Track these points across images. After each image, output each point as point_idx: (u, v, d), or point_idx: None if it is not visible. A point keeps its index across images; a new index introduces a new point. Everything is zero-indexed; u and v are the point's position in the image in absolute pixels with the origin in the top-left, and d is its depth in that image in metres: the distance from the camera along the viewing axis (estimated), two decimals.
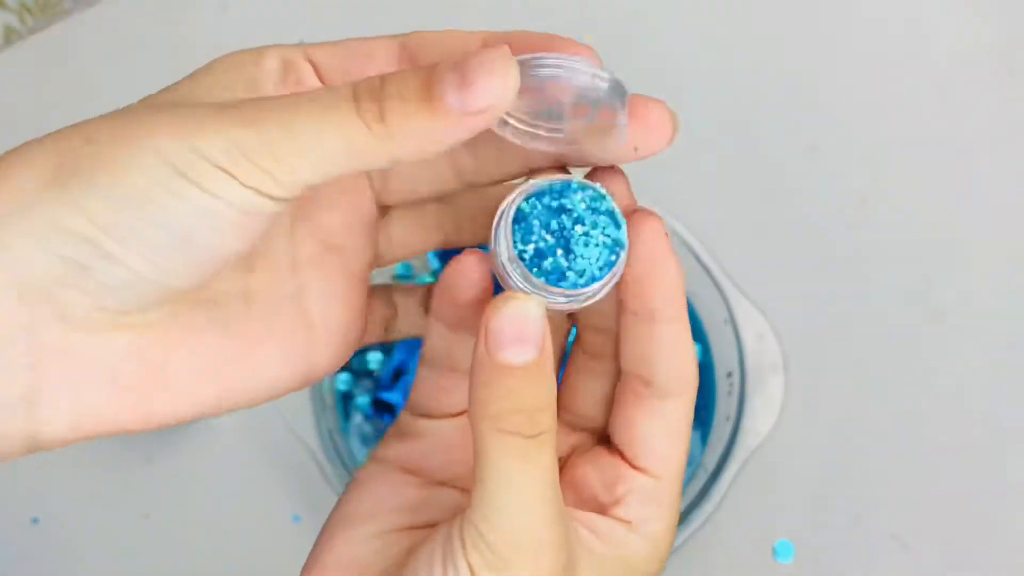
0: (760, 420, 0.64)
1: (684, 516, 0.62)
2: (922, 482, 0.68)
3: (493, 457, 0.27)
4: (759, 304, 0.66)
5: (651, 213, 0.31)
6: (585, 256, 0.28)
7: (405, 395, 0.65)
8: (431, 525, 0.31)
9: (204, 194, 0.26)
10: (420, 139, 0.27)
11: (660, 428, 0.31)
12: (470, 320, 0.31)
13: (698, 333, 0.69)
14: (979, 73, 0.81)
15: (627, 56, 0.80)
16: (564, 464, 0.33)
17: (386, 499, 0.32)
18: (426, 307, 0.36)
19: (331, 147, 0.26)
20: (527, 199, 0.29)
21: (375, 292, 0.36)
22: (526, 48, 0.31)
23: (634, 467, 0.31)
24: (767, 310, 0.66)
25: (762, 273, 0.71)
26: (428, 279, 0.70)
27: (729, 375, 0.66)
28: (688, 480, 0.65)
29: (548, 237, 0.28)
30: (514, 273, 0.28)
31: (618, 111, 0.29)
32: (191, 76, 0.31)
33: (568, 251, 0.28)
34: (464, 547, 0.28)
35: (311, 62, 0.31)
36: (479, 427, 0.27)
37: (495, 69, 0.27)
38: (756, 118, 0.78)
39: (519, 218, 0.28)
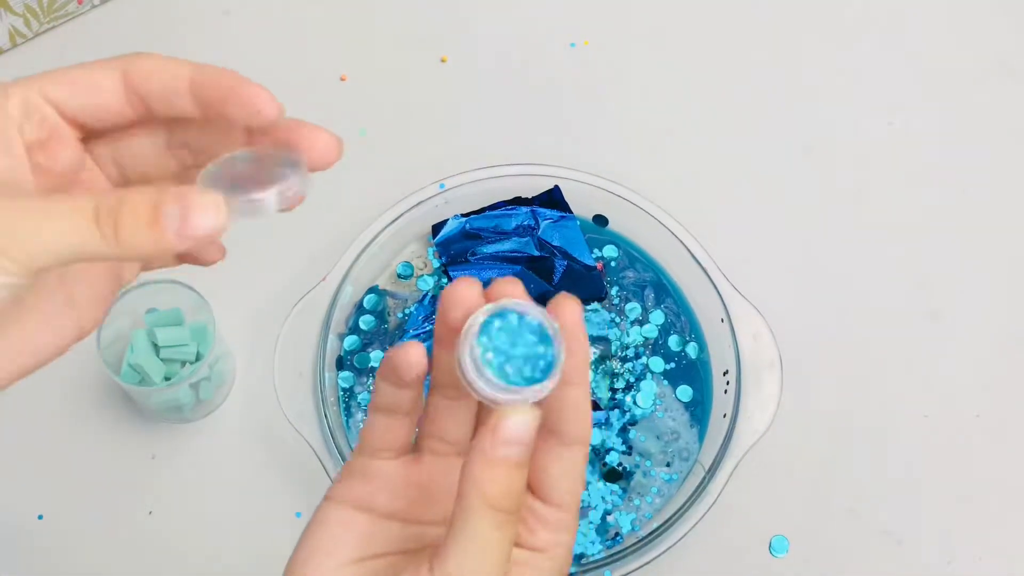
0: (756, 418, 0.65)
1: (682, 512, 0.62)
2: (916, 479, 0.68)
3: (481, 526, 0.34)
4: (755, 303, 0.67)
5: (571, 299, 0.37)
6: (527, 366, 0.36)
7: None
8: (381, 556, 0.38)
9: None
10: (145, 250, 0.33)
11: (565, 470, 0.37)
12: (415, 384, 0.39)
13: (695, 332, 0.69)
14: (976, 74, 0.82)
15: (626, 57, 0.81)
16: None
17: (343, 535, 0.39)
18: None
19: (70, 248, 0.32)
20: (489, 320, 0.36)
21: None
22: (218, 90, 0.36)
23: (544, 502, 0.37)
24: (763, 309, 0.67)
25: (758, 272, 0.71)
26: (429, 279, 0.70)
27: (725, 373, 0.67)
28: (685, 477, 0.65)
29: (504, 349, 0.36)
30: (479, 378, 0.35)
31: (298, 181, 0.36)
32: None
33: (514, 359, 0.36)
34: None
35: (50, 101, 0.36)
36: (473, 501, 0.34)
37: (207, 212, 0.32)
38: (753, 118, 0.79)
39: (484, 332, 0.36)
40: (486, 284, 0.39)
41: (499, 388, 0.35)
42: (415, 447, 0.41)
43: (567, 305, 0.37)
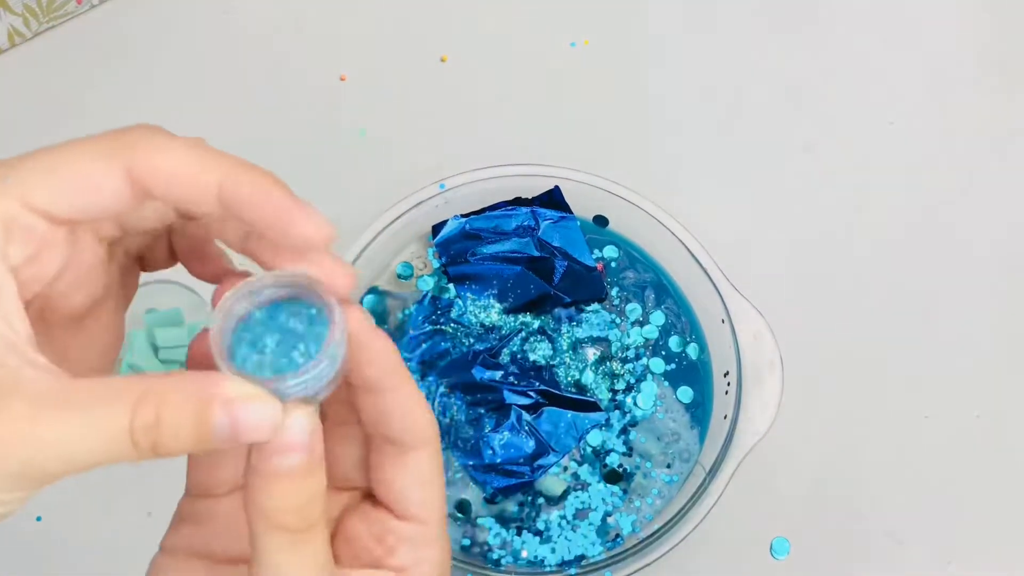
0: (757, 418, 0.64)
1: (683, 513, 0.62)
2: (917, 480, 0.68)
3: (267, 551, 0.30)
4: (756, 303, 0.67)
5: (353, 305, 0.33)
6: (294, 353, 0.31)
7: None
8: None
9: None
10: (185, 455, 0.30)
11: (412, 478, 0.34)
12: None
13: (695, 332, 0.69)
14: (977, 74, 0.81)
15: (627, 56, 0.81)
16: (338, 524, 0.35)
17: None
18: None
19: (97, 464, 0.28)
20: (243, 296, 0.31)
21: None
22: (260, 209, 0.30)
23: (398, 517, 0.34)
24: (764, 309, 0.67)
25: (759, 272, 0.71)
26: (428, 279, 0.70)
27: (726, 374, 0.67)
28: (686, 478, 0.65)
29: (263, 340, 0.31)
30: (223, 366, 0.30)
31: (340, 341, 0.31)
32: None
33: (278, 347, 0.31)
34: None
35: (35, 210, 0.30)
36: (255, 525, 0.30)
37: (262, 423, 0.29)
38: (753, 118, 0.79)
39: (245, 325, 0.31)
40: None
41: (247, 379, 0.30)
42: None
43: (350, 312, 0.32)
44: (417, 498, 0.34)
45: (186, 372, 0.29)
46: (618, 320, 0.69)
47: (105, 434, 0.28)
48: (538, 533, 0.64)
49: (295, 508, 0.30)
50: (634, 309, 0.69)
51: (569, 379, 0.67)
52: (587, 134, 0.78)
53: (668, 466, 0.66)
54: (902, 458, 0.69)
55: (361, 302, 0.69)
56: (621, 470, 0.65)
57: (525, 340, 0.68)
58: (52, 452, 0.27)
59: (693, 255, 0.69)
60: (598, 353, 0.68)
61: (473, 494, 0.64)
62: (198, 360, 0.33)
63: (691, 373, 0.68)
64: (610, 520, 0.64)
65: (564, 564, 0.63)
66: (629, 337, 0.68)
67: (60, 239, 0.31)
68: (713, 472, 0.63)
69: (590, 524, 0.64)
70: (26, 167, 0.30)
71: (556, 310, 0.69)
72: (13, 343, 0.28)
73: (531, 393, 0.66)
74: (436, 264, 0.71)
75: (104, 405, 0.28)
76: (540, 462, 0.65)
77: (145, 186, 0.30)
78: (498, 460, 0.64)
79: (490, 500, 0.64)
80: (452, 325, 0.68)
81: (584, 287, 0.69)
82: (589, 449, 0.65)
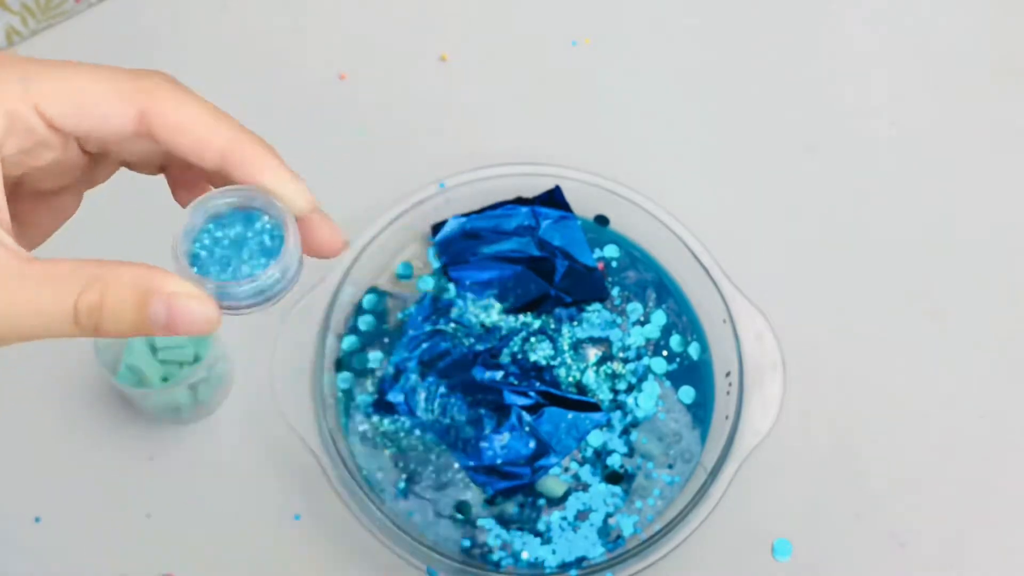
0: (759, 419, 0.64)
1: (684, 514, 0.62)
2: (919, 481, 0.68)
3: None
4: (758, 304, 0.67)
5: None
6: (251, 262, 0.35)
7: (405, 394, 0.66)
8: None
9: None
10: (126, 337, 0.33)
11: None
12: None
13: (697, 333, 0.69)
14: (977, 73, 0.81)
15: (628, 55, 0.81)
16: None
17: None
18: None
19: (43, 334, 0.32)
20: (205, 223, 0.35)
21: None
22: (252, 172, 0.35)
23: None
24: (766, 310, 0.67)
25: (760, 273, 0.71)
26: (429, 279, 0.70)
27: (728, 374, 0.66)
28: (687, 479, 0.65)
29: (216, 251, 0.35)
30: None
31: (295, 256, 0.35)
32: None
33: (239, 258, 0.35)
34: None
35: (43, 116, 0.34)
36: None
37: (195, 317, 0.32)
38: (754, 117, 0.79)
39: (206, 231, 0.35)
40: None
41: (194, 280, 0.33)
42: None
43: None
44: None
45: (135, 263, 0.32)
46: (619, 320, 0.69)
47: (51, 309, 0.31)
48: (539, 534, 0.63)
49: None
50: (635, 309, 0.69)
51: (570, 379, 0.67)
52: (587, 133, 0.77)
53: (670, 467, 0.66)
54: (905, 459, 0.68)
55: (361, 302, 0.69)
56: (622, 471, 0.65)
57: (525, 340, 0.68)
58: (3, 320, 0.31)
59: (694, 255, 0.68)
60: (599, 353, 0.68)
61: (473, 495, 0.64)
62: None
63: (692, 373, 0.68)
64: (611, 521, 0.64)
65: (565, 566, 0.63)
66: (630, 337, 0.68)
67: (55, 143, 0.34)
68: (715, 473, 0.63)
69: (591, 525, 0.64)
70: (50, 78, 0.33)
71: (557, 310, 0.68)
72: None
73: (531, 393, 0.65)
74: (436, 264, 0.70)
75: (55, 284, 0.32)
76: (540, 463, 0.64)
77: (155, 133, 0.34)
78: (498, 461, 0.64)
79: (490, 501, 0.64)
80: (452, 325, 0.68)
81: (585, 287, 0.69)
82: (590, 450, 0.65)
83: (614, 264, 0.71)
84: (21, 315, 0.31)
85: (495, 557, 0.63)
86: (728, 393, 0.66)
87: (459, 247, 0.70)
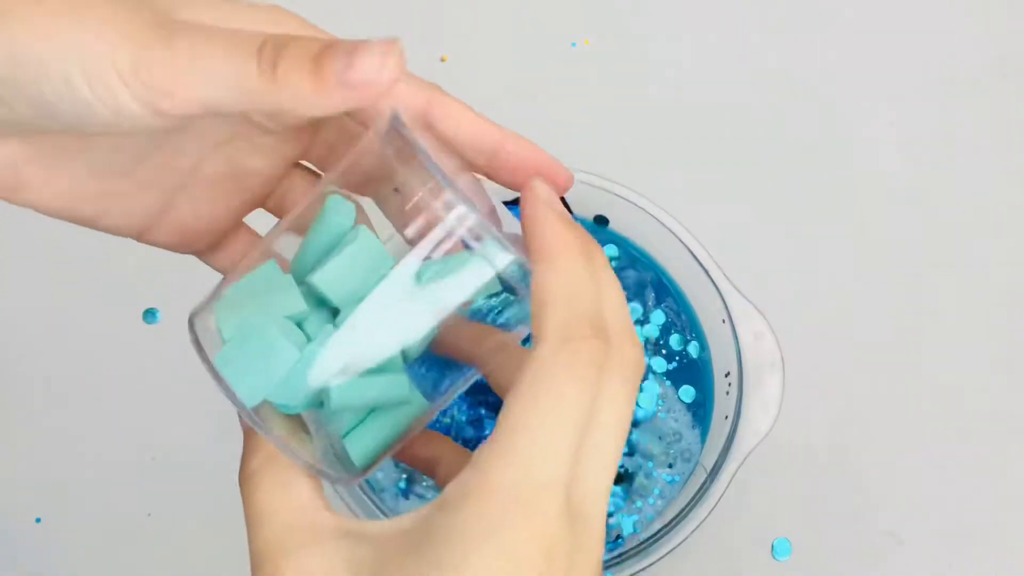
0: (758, 419, 0.64)
1: (684, 514, 0.62)
2: (919, 480, 0.68)
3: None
4: (757, 303, 0.67)
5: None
6: None
7: None
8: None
9: (95, 98, 0.29)
10: (301, 97, 0.31)
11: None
12: None
13: (696, 332, 0.69)
14: (977, 74, 0.81)
15: (628, 56, 0.81)
16: None
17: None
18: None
19: (224, 77, 0.30)
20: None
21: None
22: (526, 169, 0.38)
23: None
24: (765, 309, 0.67)
25: (760, 272, 0.71)
26: None
27: (727, 374, 0.66)
28: (687, 479, 0.65)
29: None
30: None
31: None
32: None
33: None
34: None
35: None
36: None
37: (376, 53, 0.31)
38: (754, 117, 0.79)
39: None
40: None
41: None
42: None
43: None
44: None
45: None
46: None
47: (238, 47, 0.30)
48: None
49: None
50: (635, 308, 0.69)
51: None
52: (587, 134, 0.77)
53: (670, 466, 0.66)
54: (904, 458, 0.68)
55: None
56: (622, 470, 0.65)
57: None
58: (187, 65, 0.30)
59: (693, 254, 0.68)
60: None
61: None
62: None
63: (692, 372, 0.68)
64: (611, 520, 0.64)
65: None
66: None
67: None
68: (714, 473, 0.63)
69: None
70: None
71: None
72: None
73: None
74: None
75: (241, 35, 0.31)
76: None
77: (432, 120, 0.38)
78: None
79: None
80: None
81: None
82: None
83: (613, 264, 0.71)
84: (202, 57, 0.30)
85: None
86: (727, 393, 0.66)
87: None
